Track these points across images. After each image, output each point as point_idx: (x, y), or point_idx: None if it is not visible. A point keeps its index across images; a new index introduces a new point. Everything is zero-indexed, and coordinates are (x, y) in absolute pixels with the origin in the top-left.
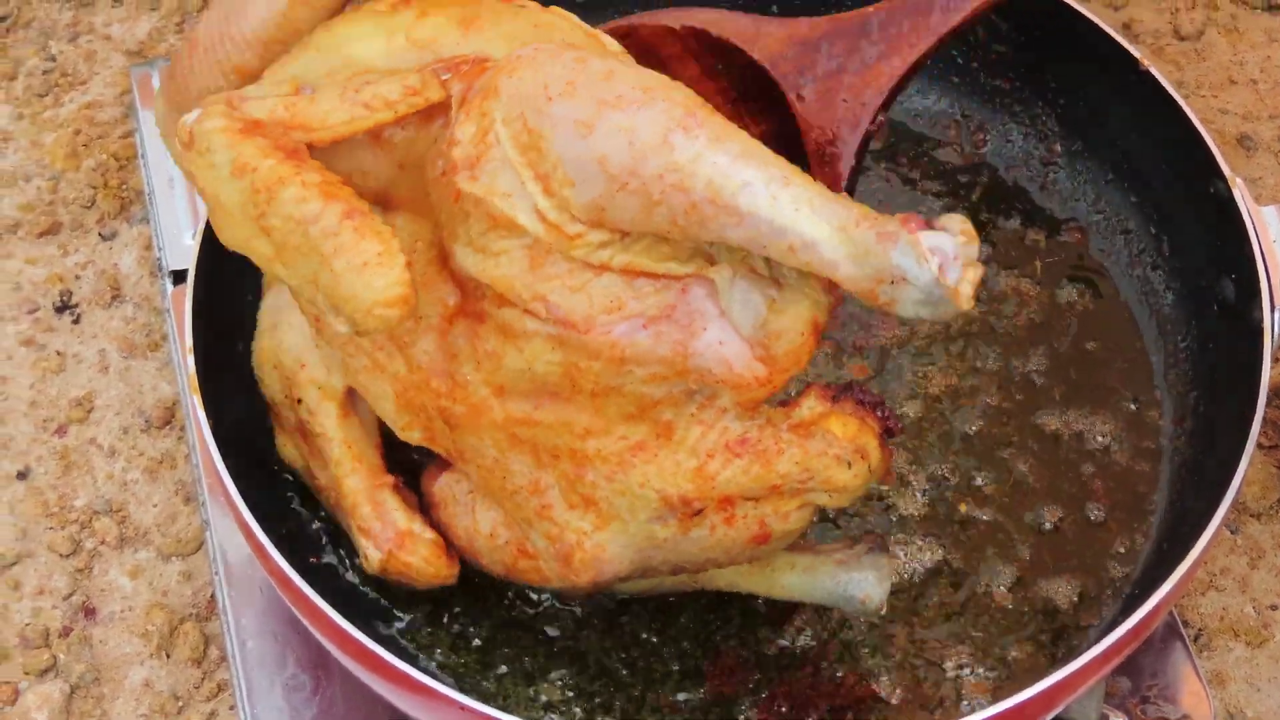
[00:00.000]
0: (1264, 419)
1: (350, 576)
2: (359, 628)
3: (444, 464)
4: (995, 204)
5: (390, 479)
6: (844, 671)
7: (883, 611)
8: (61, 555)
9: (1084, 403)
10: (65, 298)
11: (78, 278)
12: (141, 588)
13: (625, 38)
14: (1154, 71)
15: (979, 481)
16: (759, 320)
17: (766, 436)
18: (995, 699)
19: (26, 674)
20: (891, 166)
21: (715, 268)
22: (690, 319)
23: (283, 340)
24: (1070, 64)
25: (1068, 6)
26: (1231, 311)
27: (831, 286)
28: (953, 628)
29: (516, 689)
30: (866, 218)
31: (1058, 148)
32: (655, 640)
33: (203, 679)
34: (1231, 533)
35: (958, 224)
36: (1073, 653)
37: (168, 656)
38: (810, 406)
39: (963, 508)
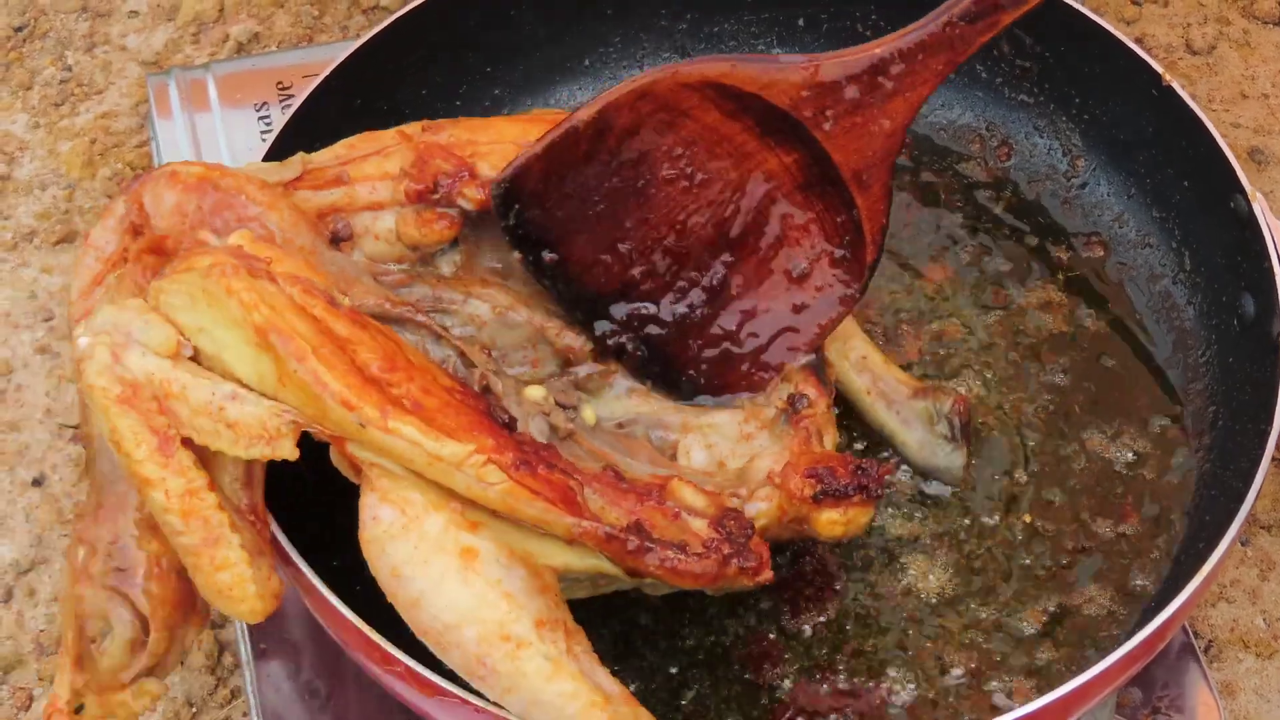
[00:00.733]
0: None
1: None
2: (379, 631)
3: None
4: (1018, 218)
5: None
6: (860, 677)
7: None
8: None
9: (1104, 417)
10: None
11: None
12: None
13: (643, 97)
14: (1176, 86)
15: (999, 495)
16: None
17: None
18: (1009, 709)
19: (41, 680)
20: (915, 180)
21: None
22: None
23: None
24: (1093, 79)
25: (1092, 22)
26: (1251, 327)
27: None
28: (971, 637)
29: None
30: None
31: (1080, 162)
32: (666, 642)
33: (217, 685)
34: (1242, 544)
35: None
36: (1089, 664)
37: (182, 663)
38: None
39: (984, 520)
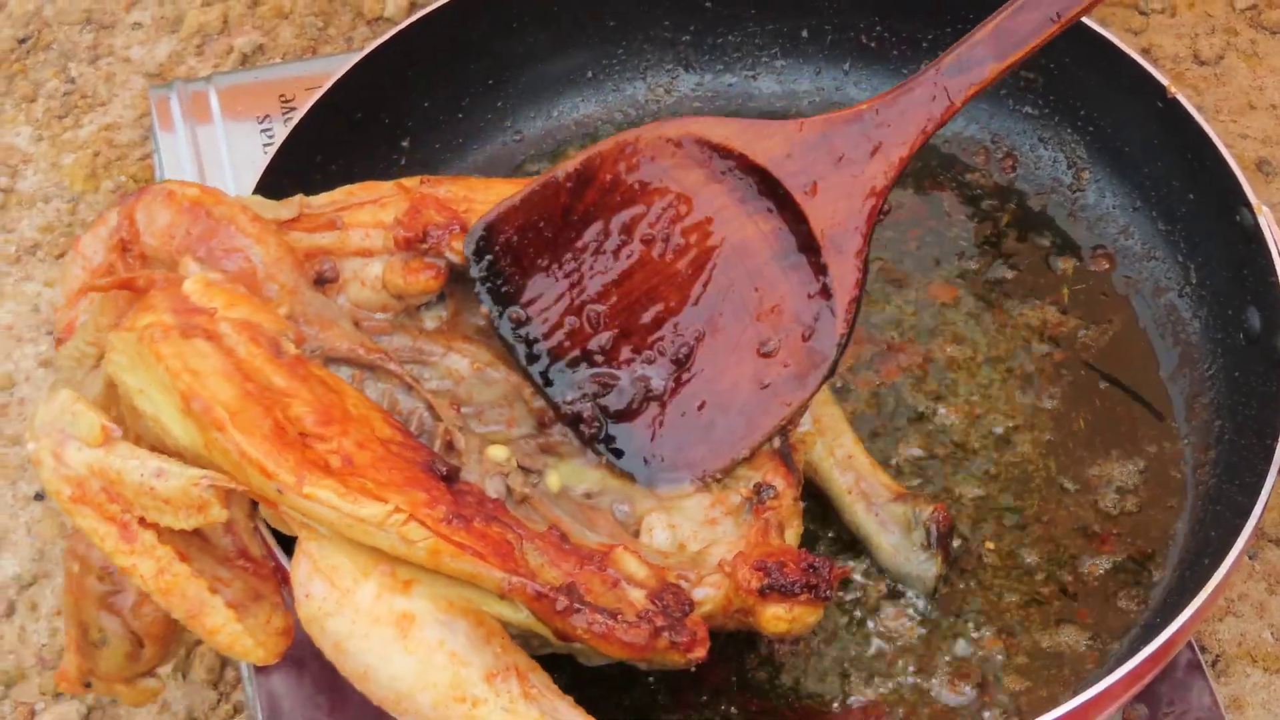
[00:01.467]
0: None
1: None
2: None
3: None
4: (1023, 230)
5: None
6: (866, 700)
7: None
8: None
9: (1108, 431)
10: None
11: None
12: None
13: (627, 151)
14: (1181, 99)
15: (1000, 508)
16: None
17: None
18: None
19: (43, 695)
20: (920, 191)
21: None
22: None
23: None
24: (1099, 91)
25: (1098, 34)
26: (1257, 341)
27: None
28: (972, 653)
29: None
30: None
31: (1086, 174)
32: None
33: (219, 700)
34: (1249, 559)
35: None
36: (1091, 681)
37: (184, 677)
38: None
39: (984, 532)
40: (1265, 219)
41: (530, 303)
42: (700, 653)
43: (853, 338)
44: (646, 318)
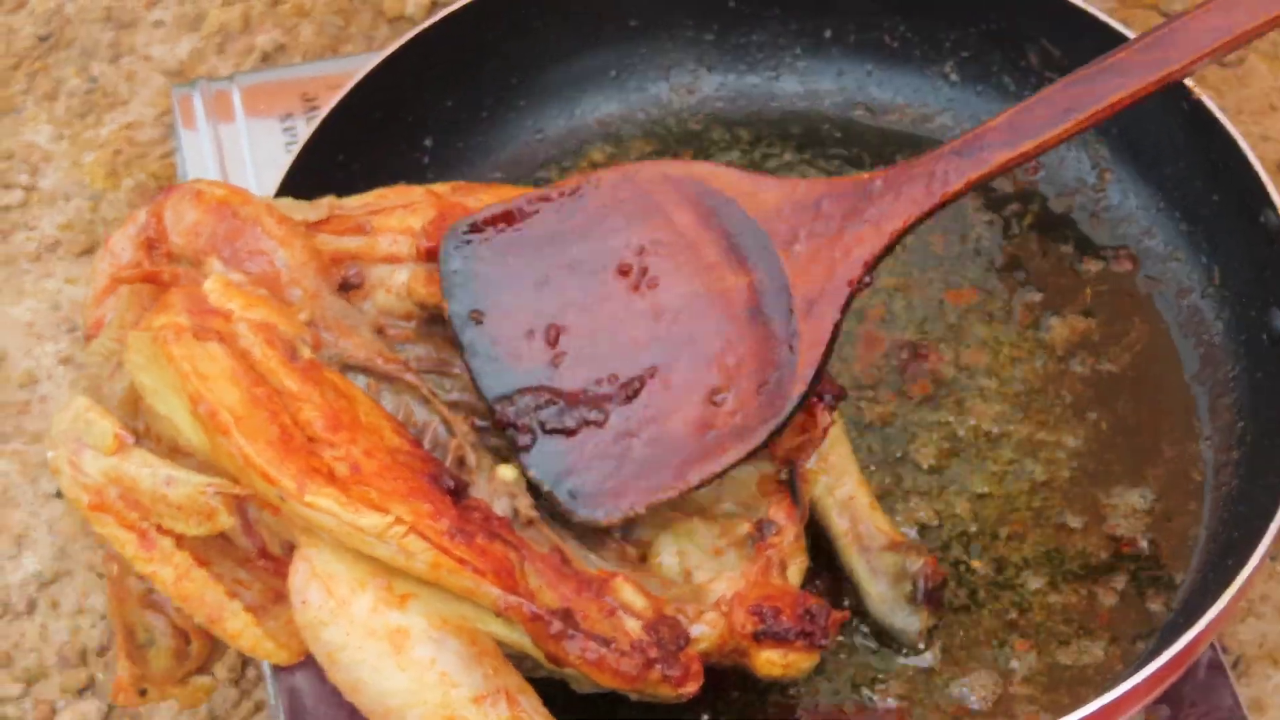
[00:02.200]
0: None
1: None
2: None
3: None
4: (1045, 232)
5: None
6: (895, 703)
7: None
8: (99, 574)
9: (1130, 433)
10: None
11: None
12: None
13: (625, 180)
14: (1205, 100)
15: (1021, 508)
16: None
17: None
18: None
19: (64, 693)
20: None
21: None
22: None
23: None
24: None
25: (1120, 34)
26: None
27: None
28: (991, 655)
29: None
30: None
31: (1109, 175)
32: None
33: (240, 698)
34: (1271, 560)
35: None
36: (1114, 682)
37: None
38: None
39: (1005, 531)
40: None
41: (494, 309)
42: (692, 688)
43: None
44: (605, 346)
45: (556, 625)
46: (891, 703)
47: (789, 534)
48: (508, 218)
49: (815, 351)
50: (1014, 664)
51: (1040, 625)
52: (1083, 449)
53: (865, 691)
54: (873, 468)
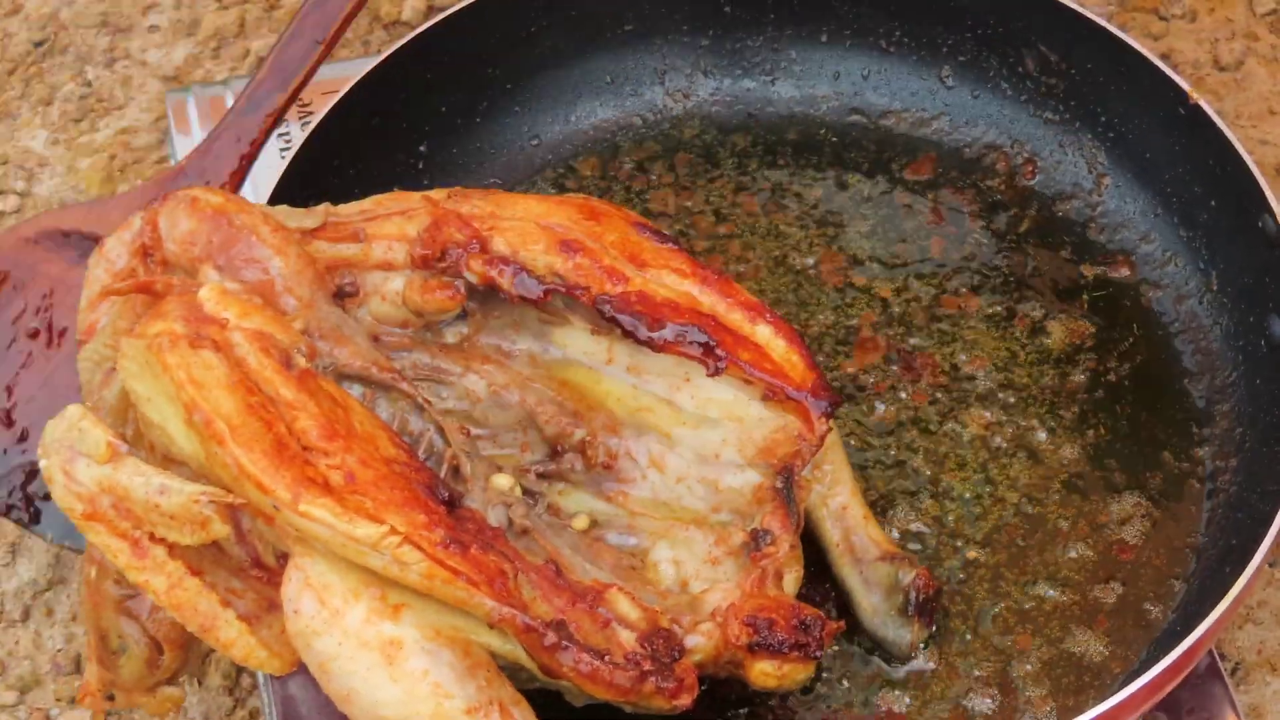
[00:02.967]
0: None
1: None
2: None
3: None
4: (1043, 236)
5: None
6: (883, 710)
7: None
8: None
9: (1128, 439)
10: None
11: None
12: None
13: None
14: (1203, 104)
15: (1020, 513)
16: None
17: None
18: None
19: (59, 700)
20: (939, 198)
21: None
22: None
23: None
24: (1119, 96)
25: (1118, 39)
26: (1279, 348)
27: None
28: (990, 665)
29: None
30: None
31: (1106, 180)
32: None
33: (235, 706)
34: (1270, 566)
35: None
36: (1109, 691)
37: (200, 683)
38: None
39: (1003, 538)
40: None
41: None
42: (686, 700)
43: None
44: (54, 401)
45: (550, 637)
46: (898, 708)
47: (784, 544)
48: None
49: None
50: (1012, 669)
51: (1038, 631)
52: (1080, 455)
53: (867, 698)
54: (869, 473)
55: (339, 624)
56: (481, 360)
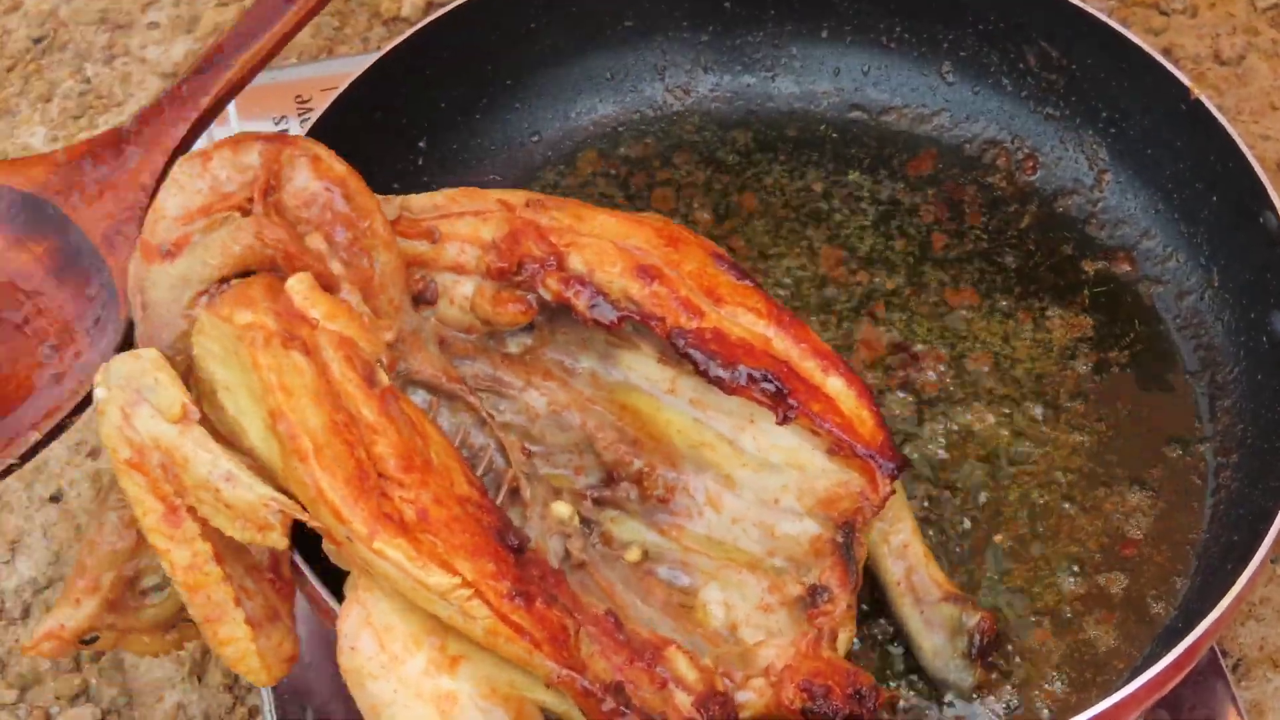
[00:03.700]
0: None
1: None
2: None
3: None
4: (1044, 233)
5: None
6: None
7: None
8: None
9: (1128, 434)
10: None
11: None
12: None
13: None
14: (1204, 100)
15: (1017, 512)
16: None
17: None
18: None
19: (58, 699)
20: (940, 194)
21: None
22: None
23: None
24: (1120, 92)
25: (1119, 34)
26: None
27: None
28: (992, 663)
29: None
30: None
31: (1107, 176)
32: None
33: (235, 704)
34: (1272, 562)
35: None
36: (1111, 687)
37: (200, 681)
38: None
39: (1005, 534)
40: None
41: None
42: None
43: (872, 341)
44: None
45: (609, 703)
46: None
47: (841, 603)
48: None
49: (125, 276)
50: (1012, 666)
51: (1040, 628)
52: (1082, 451)
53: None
54: None
55: (396, 671)
56: (543, 375)
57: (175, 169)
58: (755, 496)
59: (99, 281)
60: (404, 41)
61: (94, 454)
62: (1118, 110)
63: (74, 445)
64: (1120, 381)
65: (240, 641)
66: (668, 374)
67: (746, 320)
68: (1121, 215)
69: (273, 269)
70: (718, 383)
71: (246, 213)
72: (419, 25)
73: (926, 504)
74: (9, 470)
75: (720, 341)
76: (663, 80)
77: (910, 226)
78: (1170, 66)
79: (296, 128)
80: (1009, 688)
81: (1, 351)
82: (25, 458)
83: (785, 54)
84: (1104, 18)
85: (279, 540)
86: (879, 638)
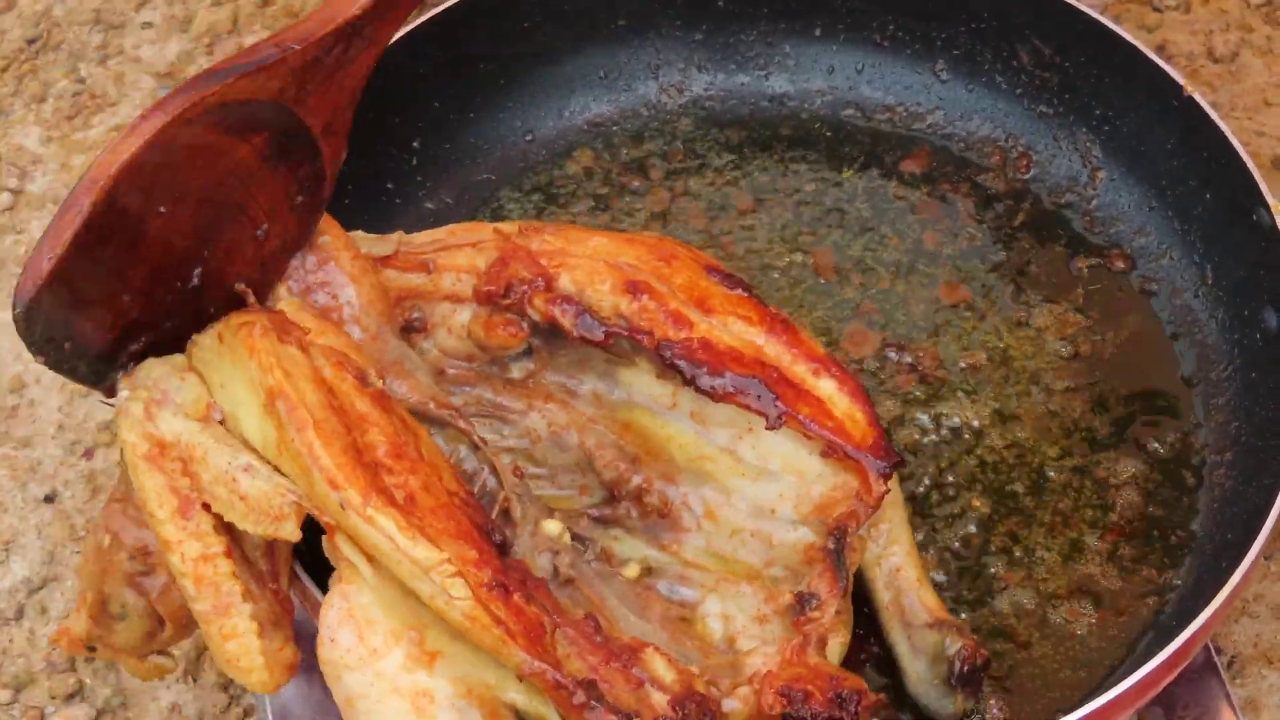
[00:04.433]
0: None
1: None
2: None
3: None
4: (1038, 230)
5: None
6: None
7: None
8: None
9: (1124, 432)
10: None
11: None
12: None
13: (151, 149)
14: (1198, 97)
15: (1015, 508)
16: None
17: None
18: None
19: (53, 698)
20: (934, 192)
21: None
22: None
23: None
24: (1114, 90)
25: (1112, 32)
26: (1274, 341)
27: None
28: (990, 655)
29: None
30: None
31: (1101, 174)
32: None
33: (230, 703)
34: (1266, 560)
35: None
36: (1109, 684)
37: (195, 680)
38: None
39: (999, 531)
40: None
41: (78, 335)
42: None
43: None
44: (181, 279)
45: (579, 696)
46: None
47: (829, 609)
48: (61, 273)
49: (337, 157)
50: (1009, 665)
51: (1034, 625)
52: (1074, 448)
53: None
54: None
55: (374, 665)
56: (545, 398)
57: None
58: (753, 506)
59: (311, 166)
60: (396, 41)
61: (88, 455)
62: (1111, 108)
63: (69, 446)
64: (1113, 378)
65: (246, 637)
66: (667, 389)
67: (737, 328)
68: (1115, 213)
69: None
70: (707, 393)
71: None
72: (412, 25)
73: (920, 501)
74: None
75: (708, 350)
76: (656, 79)
77: (904, 224)
78: (1163, 64)
79: None
80: (999, 682)
81: (226, 235)
82: None
83: (779, 52)
84: (1097, 15)
85: (293, 531)
86: (863, 658)
